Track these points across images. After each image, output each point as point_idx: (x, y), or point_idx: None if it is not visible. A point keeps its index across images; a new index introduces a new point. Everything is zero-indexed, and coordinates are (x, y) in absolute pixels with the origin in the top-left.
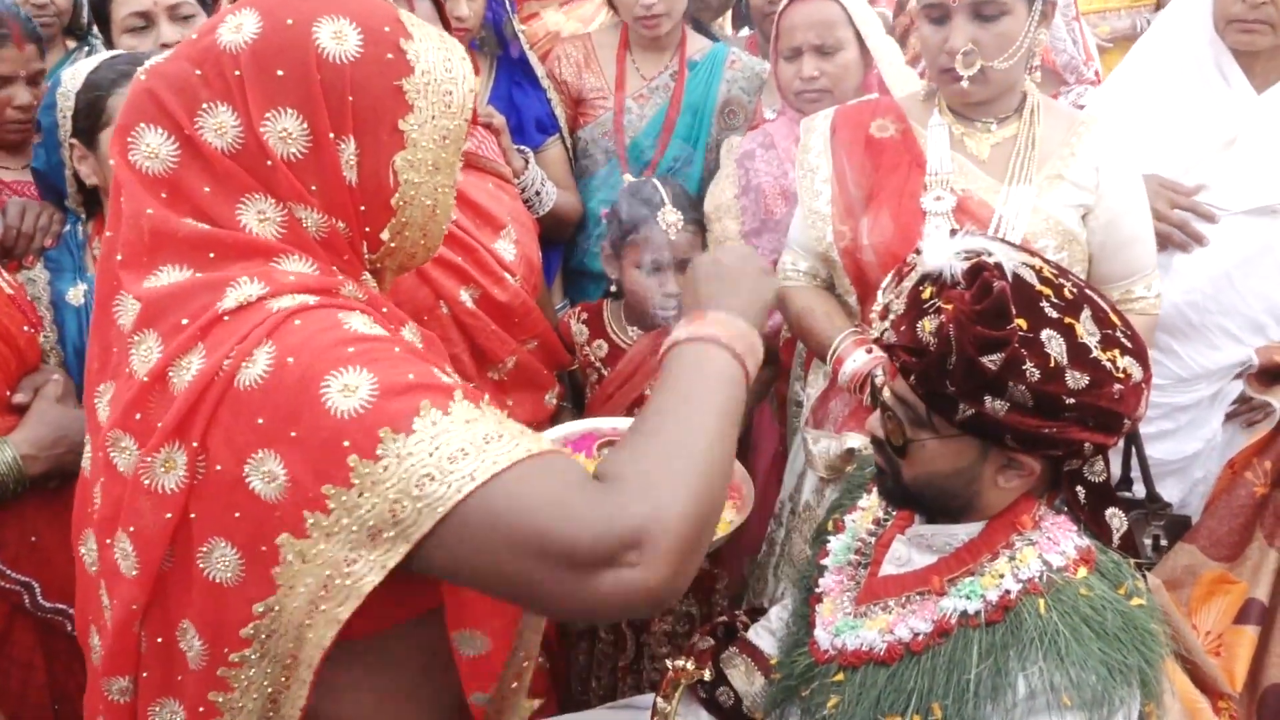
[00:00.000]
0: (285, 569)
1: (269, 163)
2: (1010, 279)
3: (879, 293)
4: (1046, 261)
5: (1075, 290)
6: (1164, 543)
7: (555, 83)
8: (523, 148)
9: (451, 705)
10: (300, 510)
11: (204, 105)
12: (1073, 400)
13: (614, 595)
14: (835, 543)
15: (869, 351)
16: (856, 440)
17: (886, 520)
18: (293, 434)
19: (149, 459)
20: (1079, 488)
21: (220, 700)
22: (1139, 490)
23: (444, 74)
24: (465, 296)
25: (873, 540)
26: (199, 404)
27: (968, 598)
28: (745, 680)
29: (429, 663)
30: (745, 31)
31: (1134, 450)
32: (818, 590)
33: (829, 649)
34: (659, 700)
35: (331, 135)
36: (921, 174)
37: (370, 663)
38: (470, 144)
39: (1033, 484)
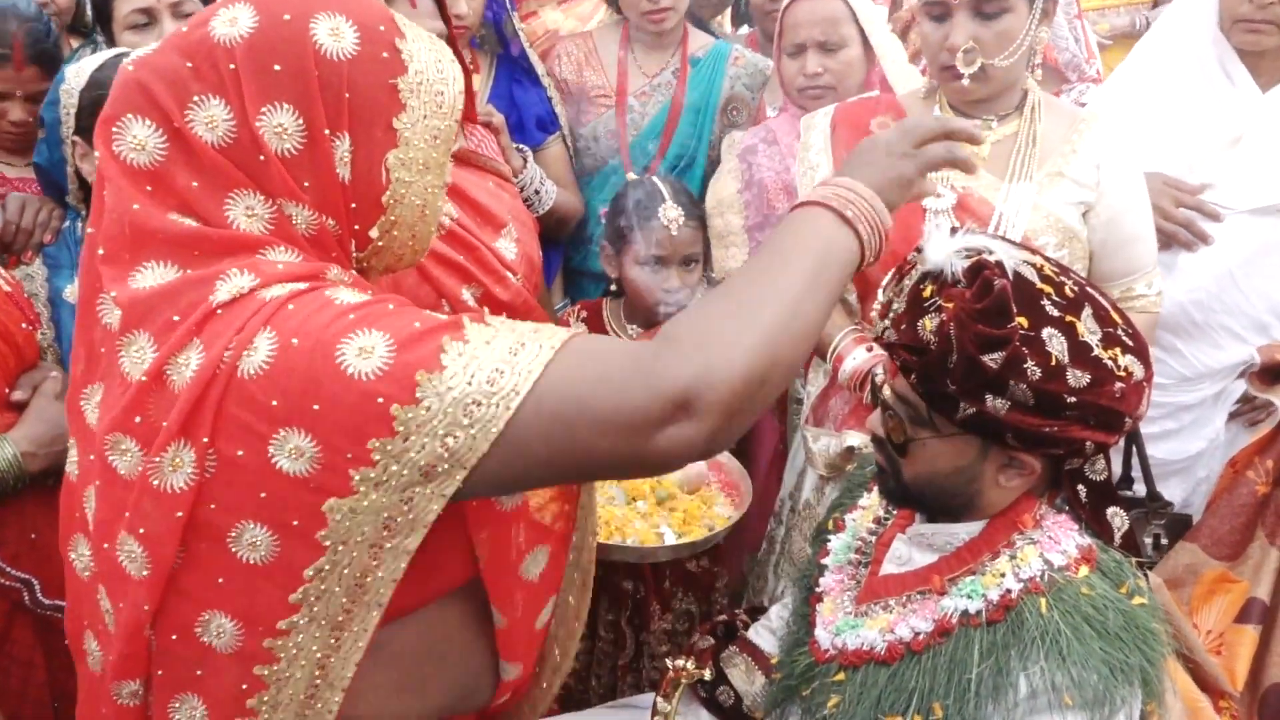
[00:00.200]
0: (335, 528)
1: (262, 158)
2: (1011, 277)
3: (879, 291)
4: (1047, 259)
5: (1076, 288)
6: (1164, 541)
7: (555, 81)
8: (521, 146)
9: (441, 699)
10: (345, 470)
11: (195, 98)
12: (1074, 399)
13: (671, 450)
14: (836, 542)
15: (869, 349)
16: (856, 438)
17: (887, 519)
18: (316, 408)
19: (156, 459)
20: (1080, 486)
21: (266, 673)
22: (1139, 489)
23: (436, 74)
24: (467, 295)
25: (873, 539)
26: (203, 399)
27: (969, 597)
28: (745, 679)
29: (421, 657)
30: (744, 29)
31: (1134, 449)
32: (818, 589)
33: (829, 648)
34: (659, 699)
35: (327, 131)
36: None
37: (365, 660)
38: (470, 142)
39: (1034, 483)
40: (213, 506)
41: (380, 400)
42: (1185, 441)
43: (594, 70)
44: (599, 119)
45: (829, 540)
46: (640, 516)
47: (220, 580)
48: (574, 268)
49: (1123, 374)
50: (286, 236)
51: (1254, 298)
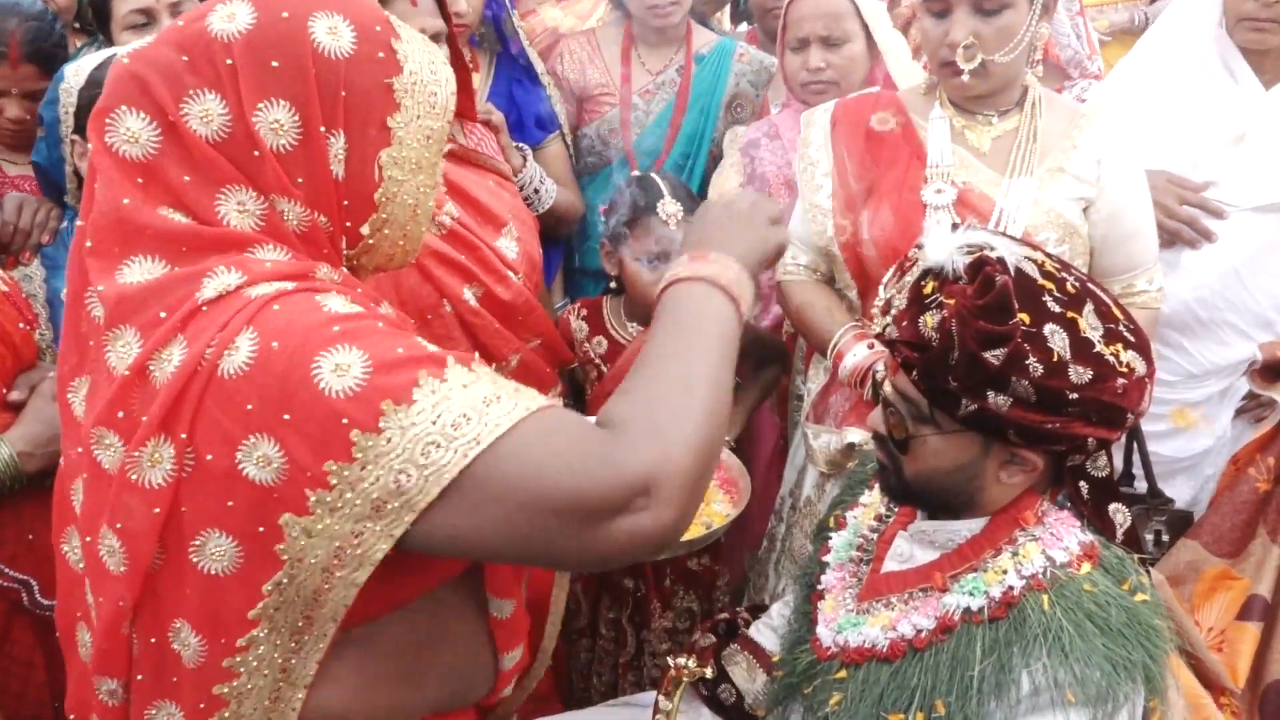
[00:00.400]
0: (291, 544)
1: (256, 153)
2: (1013, 273)
3: (880, 287)
4: (1049, 255)
5: (1078, 284)
6: (1165, 538)
7: (557, 80)
8: (521, 145)
9: (440, 690)
10: (301, 489)
11: (190, 92)
12: (1076, 395)
13: (626, 541)
14: (837, 539)
15: (870, 346)
16: (857, 435)
17: (888, 516)
18: (286, 417)
19: (135, 454)
20: (1082, 483)
21: (225, 691)
22: (1141, 485)
23: (430, 75)
24: (469, 295)
25: (875, 536)
26: (183, 395)
27: (971, 594)
28: (747, 677)
29: (416, 649)
30: (744, 27)
31: (1136, 445)
32: (820, 587)
33: (831, 646)
34: (660, 698)
35: (322, 129)
36: (922, 167)
37: (357, 653)
38: (470, 141)
39: (1035, 479)
40: (184, 510)
41: (345, 422)
42: (1192, 439)
43: (597, 68)
44: (603, 117)
45: (830, 537)
46: None
47: (186, 590)
48: (574, 267)
49: (1125, 370)
50: (277, 233)
51: (1258, 295)
